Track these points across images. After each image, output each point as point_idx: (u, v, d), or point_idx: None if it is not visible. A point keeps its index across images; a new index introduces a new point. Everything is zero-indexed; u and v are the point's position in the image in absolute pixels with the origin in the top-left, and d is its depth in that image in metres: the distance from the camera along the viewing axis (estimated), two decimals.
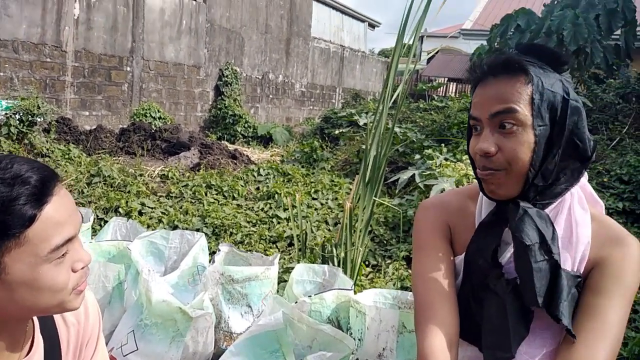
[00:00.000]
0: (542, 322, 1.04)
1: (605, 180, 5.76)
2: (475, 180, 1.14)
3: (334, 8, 16.11)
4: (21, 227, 0.81)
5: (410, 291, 1.90)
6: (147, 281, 1.66)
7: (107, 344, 1.70)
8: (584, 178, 1.13)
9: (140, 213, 4.27)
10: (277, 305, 1.67)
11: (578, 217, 1.06)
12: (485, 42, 11.47)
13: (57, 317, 1.06)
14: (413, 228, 1.23)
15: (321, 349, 1.56)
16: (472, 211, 1.16)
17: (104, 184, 4.82)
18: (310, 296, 1.72)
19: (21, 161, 0.85)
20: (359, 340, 1.64)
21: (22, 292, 0.85)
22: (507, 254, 1.08)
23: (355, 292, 1.81)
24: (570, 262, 1.04)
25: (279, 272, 2.98)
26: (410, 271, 3.49)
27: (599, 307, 1.00)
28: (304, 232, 2.53)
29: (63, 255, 0.87)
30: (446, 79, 20.52)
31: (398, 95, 2.60)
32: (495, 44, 10.89)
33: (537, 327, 1.04)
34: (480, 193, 1.12)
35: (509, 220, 1.05)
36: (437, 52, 22.40)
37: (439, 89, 18.53)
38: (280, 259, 3.42)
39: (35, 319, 1.01)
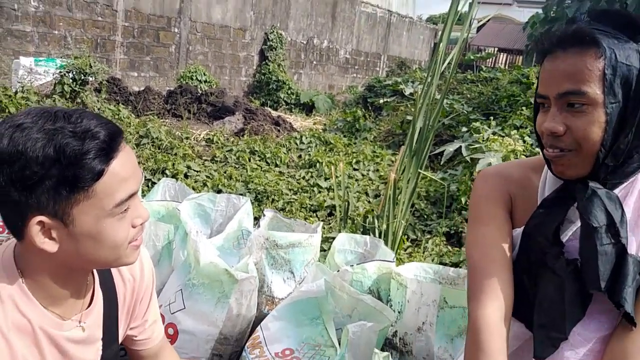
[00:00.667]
0: (600, 306, 1.02)
1: None
2: (539, 153, 1.10)
3: None
4: (91, 180, 0.84)
5: (452, 267, 1.89)
6: (195, 242, 1.71)
7: None
8: None
9: (186, 176, 4.38)
10: (320, 273, 1.71)
11: None
12: (540, 11, 10.93)
13: (115, 273, 1.11)
14: (471, 196, 1.19)
15: (361, 318, 1.59)
16: (535, 184, 1.12)
17: (152, 145, 4.95)
18: (352, 265, 1.74)
19: (90, 116, 0.88)
20: (399, 312, 1.66)
21: (86, 244, 0.89)
22: (569, 233, 1.04)
23: (396, 265, 1.82)
24: (636, 246, 1.00)
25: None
26: (450, 247, 3.47)
27: None
28: (346, 201, 2.54)
29: (125, 210, 0.91)
30: (496, 49, 19.77)
31: (448, 65, 2.54)
32: (552, 12, 10.35)
33: (595, 311, 1.01)
34: (545, 167, 1.08)
35: (576, 199, 1.02)
36: (488, 20, 21.56)
37: (488, 60, 17.91)
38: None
39: (95, 273, 1.07)
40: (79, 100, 5.98)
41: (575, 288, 1.01)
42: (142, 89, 7.70)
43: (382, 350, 1.58)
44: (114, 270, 1.10)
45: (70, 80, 5.84)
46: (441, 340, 1.57)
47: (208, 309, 1.67)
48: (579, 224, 1.04)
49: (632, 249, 1.00)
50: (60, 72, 5.88)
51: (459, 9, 2.44)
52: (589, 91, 0.93)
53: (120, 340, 1.16)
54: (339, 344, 1.56)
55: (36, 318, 0.93)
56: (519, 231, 1.11)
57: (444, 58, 2.49)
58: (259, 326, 1.68)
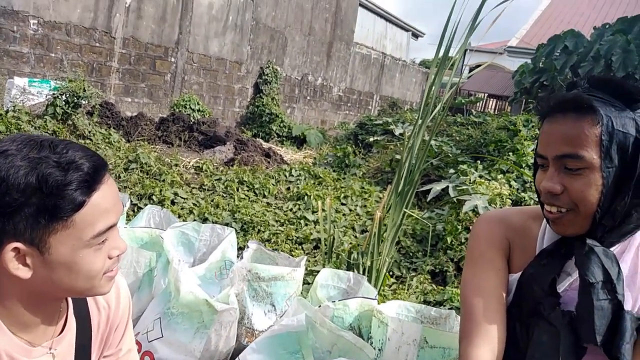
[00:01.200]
0: (594, 358, 1.03)
1: None
2: (524, 198, 1.13)
3: (379, 15, 16.10)
4: (71, 211, 0.85)
5: (435, 306, 1.89)
6: (176, 271, 1.70)
7: (133, 327, 1.74)
8: None
9: (173, 202, 4.36)
10: (301, 307, 1.69)
11: None
12: (529, 61, 11.29)
13: (90, 301, 1.10)
14: (470, 238, 1.22)
15: (341, 355, 1.57)
16: (535, 233, 1.14)
17: (141, 170, 4.94)
18: (334, 301, 1.73)
19: (76, 147, 0.89)
20: (379, 350, 1.65)
21: (61, 273, 0.88)
22: (566, 284, 1.07)
23: (378, 302, 1.81)
24: (632, 302, 1.02)
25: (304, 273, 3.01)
26: (434, 286, 3.46)
27: None
28: (331, 236, 2.55)
29: (103, 242, 0.91)
30: (486, 94, 20.22)
31: (439, 109, 2.59)
32: (540, 63, 10.69)
33: None
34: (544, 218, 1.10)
35: (573, 254, 1.04)
36: (479, 67, 22.15)
37: (477, 104, 18.29)
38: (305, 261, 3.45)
39: (69, 300, 1.05)
40: (70, 122, 5.98)
41: (571, 339, 1.02)
42: (134, 114, 7.73)
43: None
44: (89, 299, 1.09)
45: (63, 103, 5.86)
46: None
47: (186, 339, 1.64)
48: (575, 276, 1.06)
49: (627, 305, 1.01)
50: (54, 94, 5.91)
51: (450, 55, 2.51)
52: (586, 155, 0.97)
53: None
54: None
55: (3, 344, 0.91)
56: (514, 277, 1.13)
57: (434, 102, 2.55)
58: (237, 358, 1.65)
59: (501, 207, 3.69)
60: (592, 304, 0.97)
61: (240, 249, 2.58)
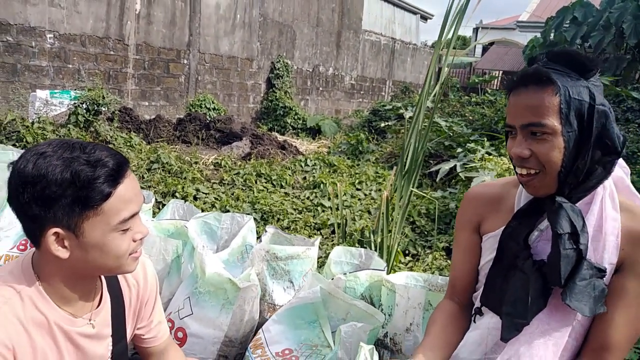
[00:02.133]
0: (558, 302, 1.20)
1: None
2: None
3: (385, 0, 16.07)
4: (100, 201, 1.03)
5: (441, 276, 2.04)
6: (201, 255, 1.87)
7: (165, 309, 1.93)
8: (624, 172, 1.26)
9: (195, 198, 4.56)
10: (316, 281, 1.85)
11: (608, 210, 1.18)
12: (539, 35, 11.18)
13: (121, 279, 1.28)
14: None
15: (354, 321, 1.72)
16: (513, 197, 1.33)
17: (163, 170, 5.15)
18: (346, 274, 1.88)
19: (102, 148, 1.07)
20: (389, 315, 1.80)
21: (93, 253, 1.06)
22: (535, 236, 1.23)
23: (391, 273, 1.96)
24: (599, 252, 1.16)
25: (321, 256, 3.16)
26: (449, 261, 3.59)
27: (630, 296, 1.13)
28: (344, 218, 2.70)
29: (128, 227, 1.08)
30: (500, 72, 20.03)
31: (440, 86, 2.71)
32: (551, 36, 10.60)
33: (559, 304, 1.17)
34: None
35: (545, 211, 1.20)
36: (491, 44, 21.88)
37: (492, 82, 18.14)
38: (323, 244, 3.61)
39: (103, 279, 1.23)
40: (92, 129, 6.23)
41: (539, 283, 1.19)
42: (152, 117, 7.97)
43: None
44: (120, 277, 1.27)
45: (84, 111, 6.10)
46: None
47: (214, 315, 1.82)
48: (543, 229, 1.23)
49: (595, 254, 1.16)
50: (75, 103, 6.15)
51: (459, 33, 2.61)
52: (548, 122, 1.11)
53: (128, 338, 1.32)
54: (335, 344, 1.69)
55: (51, 315, 1.09)
56: (491, 234, 1.33)
57: (441, 82, 2.67)
58: (260, 329, 1.82)
59: None
60: (560, 252, 1.12)
61: (257, 236, 2.75)
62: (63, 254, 1.04)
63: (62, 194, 1.00)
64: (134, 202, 1.08)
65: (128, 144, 6.29)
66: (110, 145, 6.14)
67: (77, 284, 1.13)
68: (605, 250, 1.15)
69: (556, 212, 1.15)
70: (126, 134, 6.62)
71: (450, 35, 2.59)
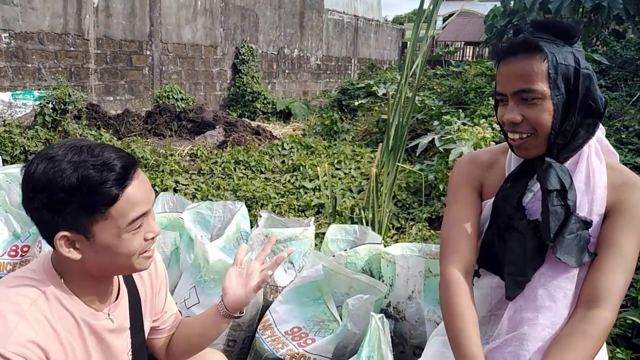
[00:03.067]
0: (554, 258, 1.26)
1: (623, 136, 5.83)
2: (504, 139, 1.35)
3: None
4: (107, 205, 1.03)
5: (434, 244, 2.11)
6: (203, 244, 1.90)
7: None
8: (601, 132, 1.34)
9: (175, 190, 4.54)
10: (317, 260, 1.91)
11: (594, 165, 1.26)
12: (499, 4, 11.36)
13: (135, 274, 1.29)
14: (449, 181, 1.47)
15: (358, 294, 1.79)
16: (502, 163, 1.38)
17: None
18: (346, 250, 1.95)
19: (110, 149, 1.06)
20: (390, 285, 1.87)
21: (105, 254, 1.07)
22: (529, 198, 1.29)
23: (384, 247, 2.03)
24: (588, 205, 1.24)
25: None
26: (432, 231, 3.70)
27: (616, 242, 1.21)
28: (334, 197, 2.75)
29: (139, 227, 1.09)
30: (462, 42, 20.27)
31: (417, 64, 2.77)
32: (511, 4, 10.78)
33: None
34: (509, 149, 1.34)
35: (535, 172, 1.27)
36: (452, 16, 22.08)
37: (455, 54, 18.35)
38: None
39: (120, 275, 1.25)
40: (60, 128, 6.09)
41: (535, 241, 1.26)
42: (119, 112, 7.82)
43: None
44: None
45: (51, 111, 5.95)
46: (429, 304, 1.79)
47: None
48: (535, 190, 1.29)
49: (583, 209, 1.24)
50: (40, 103, 5.99)
51: (424, 7, 2.66)
52: (538, 88, 1.18)
53: (146, 331, 1.34)
54: (341, 318, 1.76)
55: (76, 311, 1.11)
56: (489, 202, 1.37)
57: (412, 58, 2.72)
58: (267, 311, 1.87)
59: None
60: (549, 209, 1.19)
61: (249, 222, 2.78)
62: (75, 255, 1.05)
63: (69, 199, 1.00)
64: (143, 202, 1.08)
65: (99, 141, 6.18)
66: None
67: (97, 281, 1.15)
68: (594, 202, 1.24)
69: (546, 170, 1.22)
70: (95, 131, 6.49)
71: (427, 7, 2.63)
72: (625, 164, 5.17)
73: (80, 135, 6.13)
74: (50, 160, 1.02)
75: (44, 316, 1.05)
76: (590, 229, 1.23)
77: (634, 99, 7.26)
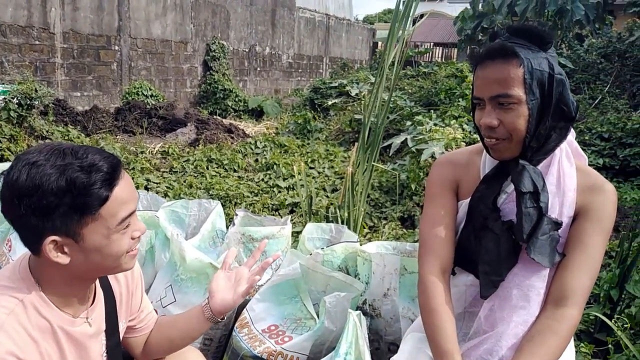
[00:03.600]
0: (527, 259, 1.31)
1: (586, 138, 6.04)
2: (477, 139, 1.39)
3: None
4: (97, 206, 1.03)
5: (407, 242, 2.16)
6: (180, 243, 1.90)
7: None
8: (571, 135, 1.40)
9: (147, 188, 4.48)
10: (294, 258, 1.93)
11: (565, 168, 1.31)
12: (468, 6, 11.59)
13: (111, 275, 1.29)
14: (426, 182, 1.51)
15: (334, 292, 1.81)
16: (478, 164, 1.42)
17: None
18: (323, 248, 1.97)
19: (94, 151, 1.06)
20: (366, 283, 1.90)
21: (94, 256, 1.07)
22: (502, 199, 1.34)
23: (360, 245, 2.06)
24: (558, 207, 1.29)
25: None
26: (405, 230, 3.76)
27: (584, 243, 1.26)
28: (309, 196, 2.77)
29: (127, 226, 1.09)
30: (432, 43, 20.57)
31: (395, 66, 2.80)
32: (480, 7, 11.02)
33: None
34: (484, 150, 1.37)
35: (510, 174, 1.31)
36: (422, 17, 22.37)
37: (425, 55, 18.62)
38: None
39: None
40: (26, 124, 5.91)
41: (509, 241, 1.31)
42: (87, 108, 7.65)
43: None
44: None
45: (16, 106, 5.77)
46: (404, 301, 1.83)
47: (197, 300, 1.86)
48: (510, 192, 1.34)
49: (554, 210, 1.29)
50: (5, 98, 5.80)
51: (388, 7, 2.70)
52: (514, 93, 1.22)
53: (121, 332, 1.33)
54: (317, 315, 1.78)
55: (54, 319, 1.09)
56: (465, 203, 1.41)
57: (387, 58, 2.75)
58: (244, 309, 1.88)
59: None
60: (522, 210, 1.25)
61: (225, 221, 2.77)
62: (63, 260, 1.04)
63: (59, 203, 0.99)
64: (130, 201, 1.09)
65: (66, 137, 6.03)
66: (48, 141, 5.87)
67: (77, 285, 1.13)
68: (564, 205, 1.29)
69: (520, 173, 1.27)
70: (63, 127, 6.33)
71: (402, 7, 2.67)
72: (589, 165, 5.35)
73: (47, 132, 5.98)
74: (34, 165, 1.00)
75: (22, 326, 1.03)
76: (560, 230, 1.28)
77: (596, 102, 7.53)
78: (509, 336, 1.25)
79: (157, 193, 4.39)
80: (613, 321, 2.12)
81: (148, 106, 7.50)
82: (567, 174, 1.30)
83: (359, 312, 1.43)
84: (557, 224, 1.27)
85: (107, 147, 5.22)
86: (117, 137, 6.50)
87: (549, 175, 1.30)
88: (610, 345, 2.06)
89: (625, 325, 2.12)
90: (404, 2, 2.61)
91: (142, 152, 5.60)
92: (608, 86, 8.04)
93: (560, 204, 1.29)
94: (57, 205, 0.99)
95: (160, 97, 9.17)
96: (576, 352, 1.95)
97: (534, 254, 1.25)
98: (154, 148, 5.88)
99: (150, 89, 9.14)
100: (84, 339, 1.16)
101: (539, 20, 10.28)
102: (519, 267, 1.30)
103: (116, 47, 9.06)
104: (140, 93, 8.91)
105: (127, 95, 8.78)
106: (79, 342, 1.15)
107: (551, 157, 1.31)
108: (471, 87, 1.35)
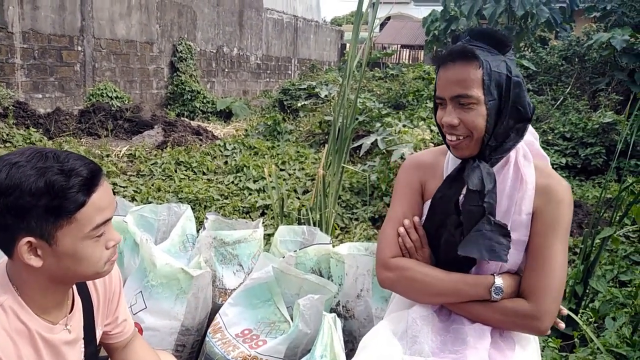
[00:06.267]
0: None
1: (549, 138, 6.22)
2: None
3: None
4: (74, 210, 1.02)
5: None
6: (150, 248, 1.86)
7: None
8: (533, 137, 1.44)
9: (113, 192, 4.37)
10: (267, 261, 1.91)
11: (523, 168, 1.34)
12: (436, 8, 11.81)
13: (89, 281, 1.27)
14: (395, 182, 1.54)
15: (308, 294, 1.81)
16: (442, 164, 1.45)
17: None
18: (295, 251, 1.96)
19: (76, 157, 1.07)
20: (339, 285, 1.90)
21: (66, 261, 1.06)
22: (461, 198, 1.36)
23: (332, 247, 2.06)
24: (519, 202, 1.32)
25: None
26: (376, 230, 3.79)
27: (541, 248, 1.30)
28: (280, 198, 2.76)
29: (100, 234, 1.09)
30: (399, 45, 20.81)
31: (359, 66, 2.82)
32: (450, 10, 11.23)
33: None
34: (448, 151, 1.40)
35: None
36: (388, 19, 22.61)
37: (392, 56, 18.81)
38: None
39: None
40: None
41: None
42: (49, 110, 7.42)
43: None
44: None
45: None
46: (377, 302, 1.84)
47: (169, 306, 1.82)
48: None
49: (509, 212, 1.33)
50: None
51: (362, 10, 2.72)
52: (474, 94, 1.26)
53: (98, 338, 1.32)
54: (291, 318, 1.77)
55: (32, 324, 1.09)
56: (428, 202, 1.44)
57: (353, 59, 2.77)
58: (217, 314, 1.85)
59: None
60: (465, 208, 1.29)
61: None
62: (36, 262, 1.03)
63: (35, 203, 0.99)
64: (107, 209, 1.09)
65: (28, 141, 5.85)
66: (8, 145, 5.67)
67: (53, 291, 1.12)
68: (522, 202, 1.32)
69: (472, 170, 1.31)
70: (24, 130, 6.14)
71: (366, 9, 2.69)
72: (552, 165, 5.51)
73: (8, 135, 5.78)
74: (14, 165, 1.01)
75: (4, 329, 1.03)
76: (521, 228, 1.32)
77: (558, 103, 7.76)
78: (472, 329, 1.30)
79: (124, 197, 4.29)
80: (579, 316, 2.18)
81: (113, 108, 7.34)
82: (525, 172, 1.34)
83: (334, 314, 1.44)
84: (501, 227, 1.29)
85: (70, 150, 5.07)
86: (82, 140, 6.34)
87: (504, 174, 1.34)
88: (576, 339, 2.12)
89: (590, 320, 2.18)
90: (369, 4, 2.63)
91: (107, 156, 5.47)
92: (569, 88, 8.29)
93: (520, 199, 1.32)
94: (33, 206, 0.99)
95: (126, 99, 8.97)
96: (544, 346, 2.00)
97: (462, 248, 1.29)
98: (120, 151, 5.75)
99: (115, 91, 8.94)
100: (62, 346, 1.15)
101: (505, 24, 10.53)
102: (476, 268, 1.35)
103: (79, 48, 8.82)
104: (104, 95, 8.71)
105: (91, 97, 8.57)
106: (57, 349, 1.14)
107: (507, 157, 1.35)
108: (434, 87, 1.38)
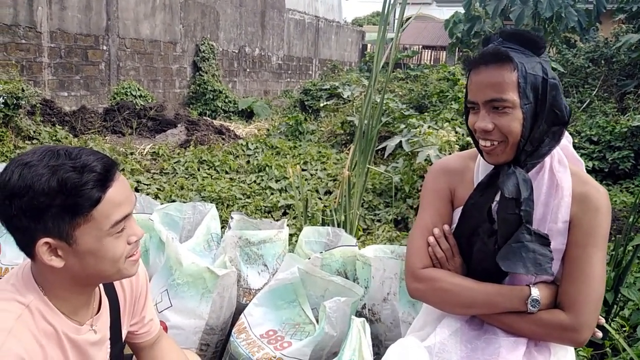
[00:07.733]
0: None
1: (576, 141, 6.09)
2: (470, 142, 1.38)
3: None
4: (89, 207, 1.00)
5: (402, 244, 2.15)
6: (176, 247, 1.86)
7: None
8: (567, 141, 1.39)
9: (137, 190, 4.42)
10: (293, 262, 1.90)
11: (559, 173, 1.29)
12: (459, 10, 11.67)
13: (117, 282, 1.26)
14: (422, 188, 1.49)
15: (333, 297, 1.79)
16: (472, 169, 1.40)
17: None
18: (321, 252, 1.95)
19: (88, 152, 1.04)
20: (366, 287, 1.88)
21: (89, 260, 1.04)
22: (493, 206, 1.31)
23: (358, 249, 2.04)
24: (555, 210, 1.27)
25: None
26: (398, 232, 3.75)
27: (580, 258, 1.25)
28: (305, 199, 2.75)
29: (121, 230, 1.06)
30: (420, 46, 20.65)
31: (385, 68, 2.80)
32: (473, 11, 11.09)
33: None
34: (479, 156, 1.35)
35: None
36: (409, 19, 22.47)
37: (413, 57, 18.69)
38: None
39: (100, 284, 1.21)
40: (12, 124, 5.82)
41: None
42: (74, 108, 7.54)
43: None
44: None
45: (2, 106, 5.68)
46: (404, 306, 1.81)
47: (194, 305, 1.82)
48: (498, 198, 1.31)
49: (545, 220, 1.27)
50: None
51: (377, 9, 2.69)
52: (509, 97, 1.21)
53: (123, 338, 1.31)
54: (316, 320, 1.76)
55: (59, 325, 1.07)
56: (459, 210, 1.39)
57: (379, 61, 2.74)
58: (242, 314, 1.85)
59: (450, 154, 3.99)
60: (501, 217, 1.25)
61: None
62: (57, 263, 1.02)
63: (50, 203, 0.97)
64: (124, 204, 1.06)
65: (54, 138, 5.94)
66: (35, 142, 5.78)
67: (78, 291, 1.11)
68: (559, 209, 1.27)
69: (508, 177, 1.26)
70: (50, 127, 6.24)
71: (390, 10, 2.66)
72: None
73: (34, 132, 5.88)
74: (26, 165, 0.98)
75: (30, 331, 1.01)
76: (558, 236, 1.27)
77: (584, 105, 7.60)
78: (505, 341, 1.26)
79: (147, 195, 4.32)
80: (609, 324, 2.12)
81: (137, 107, 7.42)
82: (562, 178, 1.29)
83: (363, 319, 1.42)
84: (542, 237, 1.24)
85: (96, 148, 5.14)
86: (106, 137, 6.42)
87: (540, 180, 1.29)
88: (607, 349, 2.06)
89: (624, 329, 2.12)
90: (391, 5, 2.60)
91: (131, 153, 5.53)
92: (596, 90, 8.12)
93: (556, 207, 1.27)
94: (48, 205, 0.97)
95: (149, 98, 9.07)
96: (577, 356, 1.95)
97: (499, 257, 1.24)
98: (144, 149, 5.81)
99: (139, 90, 9.04)
100: (88, 346, 1.14)
101: (533, 25, 10.37)
102: (510, 277, 1.30)
103: (104, 47, 8.95)
104: (128, 93, 8.82)
105: (115, 96, 8.68)
106: (83, 349, 1.13)
107: (542, 163, 1.30)
108: (464, 91, 1.34)
